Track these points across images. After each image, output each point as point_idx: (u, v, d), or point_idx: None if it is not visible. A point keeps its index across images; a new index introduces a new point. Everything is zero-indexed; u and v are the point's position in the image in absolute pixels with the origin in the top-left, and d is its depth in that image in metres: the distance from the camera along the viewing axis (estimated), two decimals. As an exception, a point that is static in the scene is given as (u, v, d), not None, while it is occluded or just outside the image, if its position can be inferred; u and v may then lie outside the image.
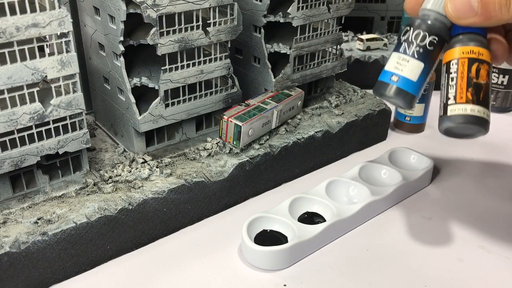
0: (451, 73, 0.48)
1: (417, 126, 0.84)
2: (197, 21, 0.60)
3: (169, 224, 0.60)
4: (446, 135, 0.50)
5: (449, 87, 0.48)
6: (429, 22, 0.48)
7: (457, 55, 0.48)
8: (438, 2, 0.48)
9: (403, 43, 0.49)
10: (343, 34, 0.94)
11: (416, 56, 0.48)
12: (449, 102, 0.48)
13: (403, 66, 0.49)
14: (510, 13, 0.46)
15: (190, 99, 0.64)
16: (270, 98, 0.70)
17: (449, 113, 0.47)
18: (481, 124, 0.47)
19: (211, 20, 0.62)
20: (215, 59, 0.65)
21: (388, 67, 0.50)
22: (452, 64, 0.48)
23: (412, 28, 0.49)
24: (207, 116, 0.69)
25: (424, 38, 0.48)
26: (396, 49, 0.50)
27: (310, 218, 0.61)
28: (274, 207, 0.61)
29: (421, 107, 0.81)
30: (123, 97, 0.62)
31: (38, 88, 0.51)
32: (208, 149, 0.65)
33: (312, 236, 0.56)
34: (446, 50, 0.50)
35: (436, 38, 0.48)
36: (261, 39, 0.70)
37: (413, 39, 0.49)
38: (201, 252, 0.58)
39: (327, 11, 0.72)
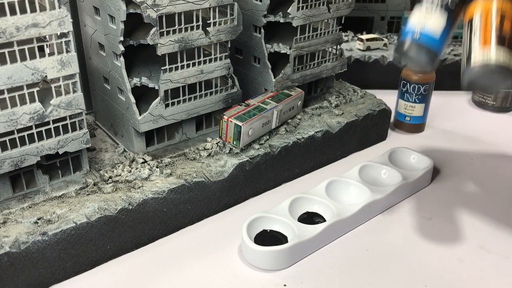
0: (475, 24, 0.48)
1: (417, 126, 0.84)
2: (197, 21, 0.60)
3: (169, 224, 0.60)
4: (469, 87, 0.49)
5: (473, 37, 0.48)
6: None
7: (479, 9, 0.49)
8: None
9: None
10: (343, 34, 0.94)
11: (438, 11, 0.50)
12: (473, 50, 0.47)
13: (426, 20, 0.50)
14: None
15: (190, 99, 0.64)
16: (270, 98, 0.70)
17: (474, 59, 0.46)
18: (508, 71, 0.46)
19: (211, 20, 0.62)
20: (215, 59, 0.65)
21: (410, 24, 0.49)
22: (475, 18, 0.49)
23: None
24: (207, 116, 0.69)
25: None
26: (419, 4, 0.51)
27: (310, 218, 0.61)
28: (274, 207, 0.61)
29: (421, 107, 0.81)
30: (123, 97, 0.62)
31: (38, 88, 0.51)
32: (208, 149, 0.65)
33: (312, 236, 0.56)
34: (467, 9, 0.51)
35: None
36: (261, 39, 0.70)
37: None
38: (201, 252, 0.58)
39: (327, 11, 0.72)
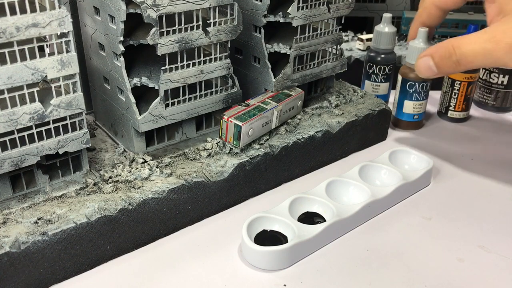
0: None
1: (420, 123, 0.85)
2: (197, 21, 0.60)
3: (169, 224, 0.60)
4: None
5: None
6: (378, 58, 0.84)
7: None
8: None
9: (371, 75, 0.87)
10: (343, 34, 0.94)
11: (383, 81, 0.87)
12: None
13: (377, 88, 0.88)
14: (458, 69, 0.62)
15: (190, 99, 0.64)
16: (270, 98, 0.70)
17: None
18: None
19: (211, 20, 0.62)
20: (215, 59, 0.65)
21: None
22: None
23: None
24: (207, 116, 0.69)
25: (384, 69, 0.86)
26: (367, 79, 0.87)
27: (310, 218, 0.61)
28: (274, 207, 0.61)
29: (425, 103, 0.83)
30: (123, 97, 0.62)
31: (38, 88, 0.51)
32: (208, 149, 0.65)
33: (312, 236, 0.56)
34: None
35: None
36: (261, 39, 0.70)
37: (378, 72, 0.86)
38: (201, 252, 0.58)
39: (327, 11, 0.72)
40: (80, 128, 0.56)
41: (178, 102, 0.63)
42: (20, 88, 0.50)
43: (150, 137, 0.65)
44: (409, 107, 0.82)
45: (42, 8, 0.49)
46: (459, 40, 0.61)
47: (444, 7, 0.72)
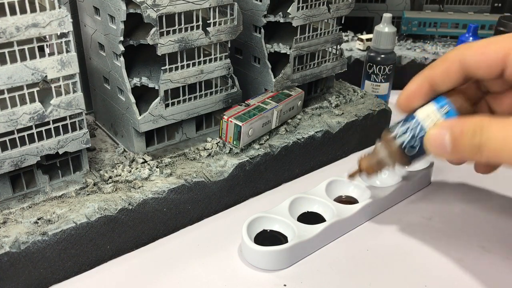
0: None
1: None
2: (197, 21, 0.61)
3: (169, 224, 0.60)
4: None
5: None
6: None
7: None
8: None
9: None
10: (343, 34, 0.94)
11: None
12: None
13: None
14: (478, 157, 0.45)
15: (190, 99, 0.64)
16: (270, 98, 0.70)
17: None
18: None
19: (211, 20, 0.62)
20: (215, 59, 0.65)
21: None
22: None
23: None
24: (207, 116, 0.69)
25: None
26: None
27: (310, 218, 0.61)
28: (274, 207, 0.61)
29: None
30: (123, 97, 0.62)
31: (38, 88, 0.51)
32: (208, 149, 0.65)
33: (312, 236, 0.56)
34: None
35: None
36: (261, 39, 0.70)
37: None
38: (201, 252, 0.58)
39: (327, 11, 0.72)
40: (80, 128, 0.56)
41: (178, 102, 0.63)
42: (20, 88, 0.50)
43: (150, 137, 0.65)
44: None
45: (42, 8, 0.49)
46: (491, 118, 0.45)
47: (473, 71, 0.50)
